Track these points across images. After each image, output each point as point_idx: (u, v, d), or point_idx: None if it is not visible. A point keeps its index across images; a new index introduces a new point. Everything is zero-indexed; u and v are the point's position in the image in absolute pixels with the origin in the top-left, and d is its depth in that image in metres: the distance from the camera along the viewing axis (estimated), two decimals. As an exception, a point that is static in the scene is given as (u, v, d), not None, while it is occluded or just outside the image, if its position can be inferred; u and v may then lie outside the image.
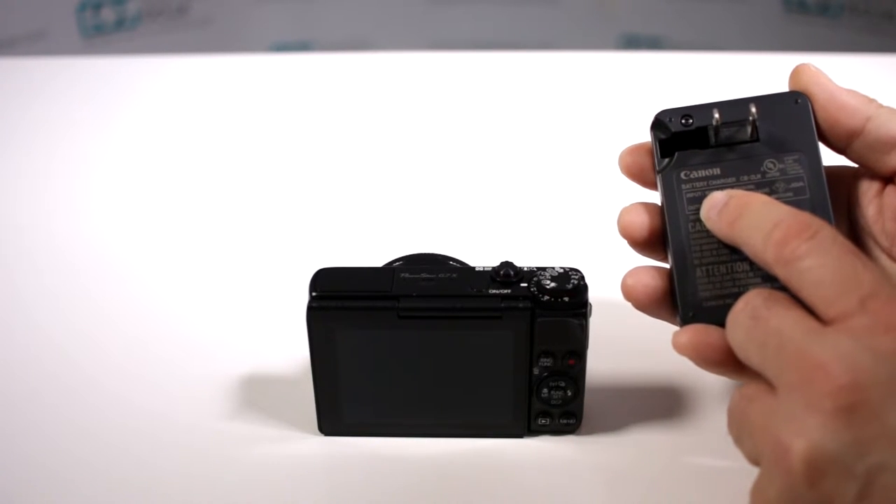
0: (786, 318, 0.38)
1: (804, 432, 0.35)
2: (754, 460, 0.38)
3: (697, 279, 0.44)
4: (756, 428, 0.37)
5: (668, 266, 0.46)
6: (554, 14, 1.93)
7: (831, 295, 0.37)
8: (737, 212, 0.42)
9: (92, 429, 0.53)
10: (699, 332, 0.42)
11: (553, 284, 0.47)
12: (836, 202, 0.46)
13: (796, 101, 0.45)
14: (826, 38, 1.82)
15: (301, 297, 0.48)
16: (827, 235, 0.38)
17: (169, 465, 0.51)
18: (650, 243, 0.46)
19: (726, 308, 0.41)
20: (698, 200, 0.44)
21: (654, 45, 1.91)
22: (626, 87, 0.89)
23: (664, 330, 0.48)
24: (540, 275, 0.48)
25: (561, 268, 0.49)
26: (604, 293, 0.51)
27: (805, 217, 0.39)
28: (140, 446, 0.52)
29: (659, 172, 0.46)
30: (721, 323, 0.41)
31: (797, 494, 0.35)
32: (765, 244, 0.40)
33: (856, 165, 0.46)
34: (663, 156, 0.46)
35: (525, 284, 0.48)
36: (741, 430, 0.39)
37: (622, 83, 0.90)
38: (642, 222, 0.45)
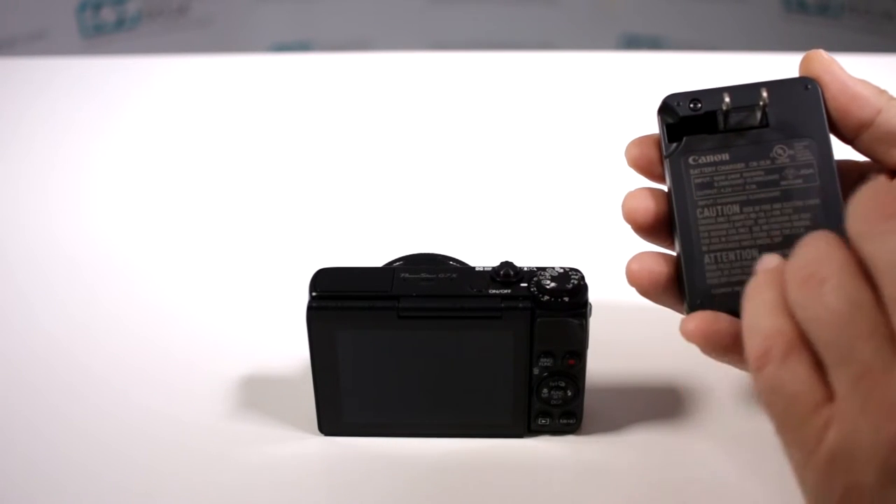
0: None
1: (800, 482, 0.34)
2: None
3: (706, 266, 0.43)
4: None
5: (672, 252, 0.45)
6: (554, 14, 1.93)
7: None
8: None
9: (91, 428, 0.53)
10: (707, 318, 0.41)
11: (553, 284, 0.47)
12: (843, 194, 0.46)
13: (806, 87, 0.44)
14: (826, 38, 1.82)
15: (301, 297, 0.48)
16: None
17: (169, 465, 0.51)
18: (655, 229, 0.45)
19: (735, 295, 0.40)
20: (707, 186, 0.44)
21: (654, 45, 1.91)
22: (626, 87, 0.88)
23: (664, 329, 0.48)
24: (540, 275, 0.48)
25: (561, 268, 0.49)
26: (604, 293, 0.51)
27: None
28: (140, 446, 0.52)
29: (666, 157, 0.45)
30: (729, 310, 0.41)
31: None
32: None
33: (863, 158, 0.46)
34: (671, 140, 0.45)
35: (525, 284, 0.48)
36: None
37: (622, 83, 0.90)
38: (647, 207, 0.45)
